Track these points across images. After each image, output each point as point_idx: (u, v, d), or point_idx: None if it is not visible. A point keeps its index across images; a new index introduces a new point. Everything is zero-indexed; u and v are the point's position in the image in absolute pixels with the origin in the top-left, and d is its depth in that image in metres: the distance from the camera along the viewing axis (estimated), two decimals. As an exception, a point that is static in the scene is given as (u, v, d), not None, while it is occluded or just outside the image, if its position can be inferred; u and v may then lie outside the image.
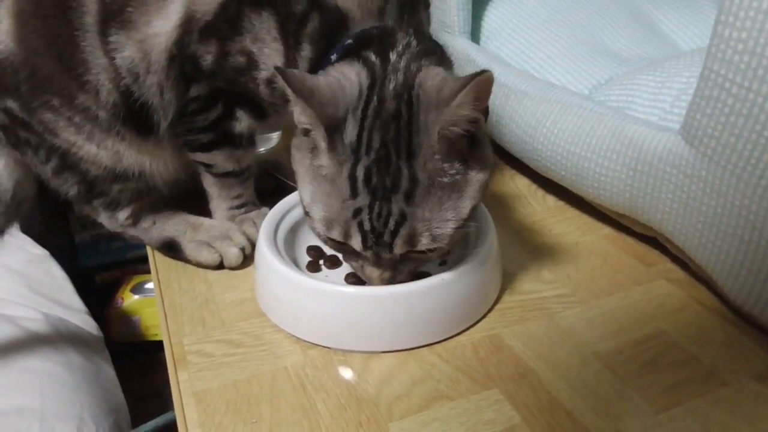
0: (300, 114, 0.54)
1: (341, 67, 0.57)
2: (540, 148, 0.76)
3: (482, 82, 0.50)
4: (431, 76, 0.56)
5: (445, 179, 0.54)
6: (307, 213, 0.57)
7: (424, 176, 0.53)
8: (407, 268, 0.58)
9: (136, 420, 1.20)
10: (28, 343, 1.14)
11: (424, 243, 0.54)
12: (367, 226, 0.54)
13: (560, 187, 0.79)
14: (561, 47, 0.86)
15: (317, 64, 0.61)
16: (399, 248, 0.55)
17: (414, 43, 0.59)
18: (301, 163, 0.58)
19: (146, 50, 0.65)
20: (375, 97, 0.55)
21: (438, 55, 0.61)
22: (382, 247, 0.55)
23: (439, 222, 0.54)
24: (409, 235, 0.54)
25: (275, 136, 1.02)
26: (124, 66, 0.65)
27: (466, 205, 0.55)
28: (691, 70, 0.67)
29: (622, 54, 0.86)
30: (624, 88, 0.73)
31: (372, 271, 0.57)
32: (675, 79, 0.68)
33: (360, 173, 0.53)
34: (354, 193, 0.53)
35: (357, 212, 0.54)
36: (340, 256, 0.65)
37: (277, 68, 0.53)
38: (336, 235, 0.55)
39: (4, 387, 1.02)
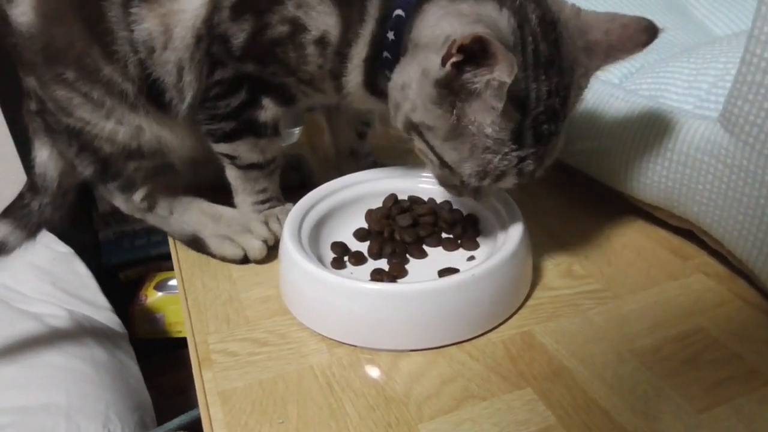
0: (477, 76, 0.51)
1: (470, 8, 0.54)
2: (570, 139, 0.74)
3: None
4: (563, 5, 0.57)
5: (574, 110, 0.57)
6: (446, 166, 0.58)
7: (569, 114, 0.57)
8: None
9: (161, 416, 1.21)
10: (53, 340, 1.15)
11: (542, 169, 0.58)
12: (529, 168, 0.56)
13: (591, 179, 0.77)
14: (589, 35, 0.84)
15: (389, 6, 0.58)
16: (535, 177, 0.58)
17: None
18: (442, 120, 0.55)
19: (168, 25, 0.63)
20: (529, 38, 0.53)
21: None
22: (528, 179, 0.57)
23: (558, 149, 0.58)
24: (548, 165, 0.58)
25: (297, 131, 1.01)
26: (140, 39, 0.63)
27: None
28: (729, 56, 0.64)
29: (653, 41, 0.84)
30: (657, 76, 0.71)
31: (487, 199, 0.62)
32: (711, 65, 0.65)
33: (528, 125, 0.54)
34: (521, 145, 0.54)
35: (522, 159, 0.55)
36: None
37: (478, 38, 0.47)
38: (487, 182, 0.57)
39: (30, 384, 1.03)
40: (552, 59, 0.53)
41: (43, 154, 0.77)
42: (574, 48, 0.55)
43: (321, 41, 0.61)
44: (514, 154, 0.54)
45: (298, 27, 0.61)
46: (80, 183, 0.79)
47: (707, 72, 0.65)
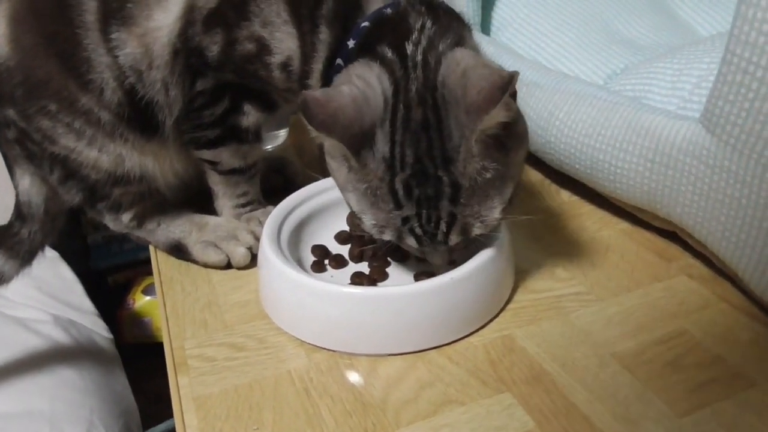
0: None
1: (361, 70, 0.56)
2: (553, 141, 0.74)
3: (513, 86, 0.49)
4: (452, 71, 0.54)
5: (488, 174, 0.53)
6: (355, 214, 0.57)
7: (466, 179, 0.53)
8: (464, 247, 0.59)
9: (149, 421, 1.20)
10: (37, 345, 1.14)
11: (476, 231, 0.55)
12: (418, 231, 0.55)
13: (574, 181, 0.76)
14: (574, 36, 0.83)
15: (336, 48, 0.60)
16: (454, 241, 0.56)
17: (429, 23, 0.57)
18: (339, 173, 0.57)
19: (147, 44, 0.63)
20: (401, 105, 0.54)
21: (454, 30, 0.59)
22: (437, 244, 0.56)
23: (487, 210, 0.55)
24: (462, 229, 0.55)
25: (283, 133, 1.00)
26: (127, 64, 0.64)
27: (509, 187, 0.55)
28: (712, 56, 0.64)
29: (638, 42, 0.83)
30: (640, 76, 0.70)
31: (434, 259, 0.59)
32: (694, 66, 0.65)
33: (399, 187, 0.53)
34: (398, 205, 0.54)
35: (406, 221, 0.54)
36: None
37: (302, 97, 0.51)
38: (389, 237, 0.56)
39: (14, 390, 1.02)
40: (427, 124, 0.53)
41: (25, 182, 0.76)
42: (457, 115, 0.52)
43: (285, 67, 0.63)
44: (396, 213, 0.54)
45: (263, 48, 0.62)
46: (68, 210, 0.79)
47: (690, 72, 0.65)
